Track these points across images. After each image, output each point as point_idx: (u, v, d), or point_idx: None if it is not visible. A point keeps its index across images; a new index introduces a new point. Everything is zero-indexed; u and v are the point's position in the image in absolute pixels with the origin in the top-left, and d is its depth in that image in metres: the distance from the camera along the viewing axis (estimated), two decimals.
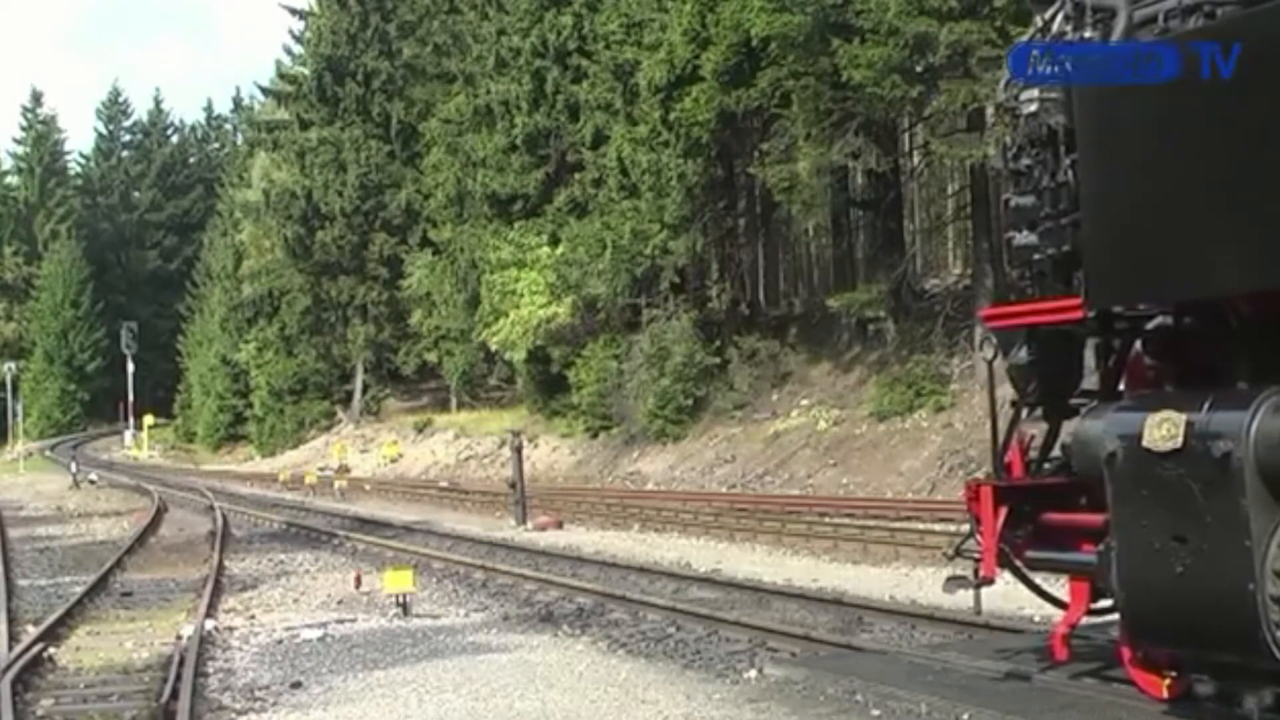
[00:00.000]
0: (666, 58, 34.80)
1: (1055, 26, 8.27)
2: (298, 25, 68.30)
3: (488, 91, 46.58)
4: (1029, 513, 8.28)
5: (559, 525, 25.24)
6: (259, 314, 68.55)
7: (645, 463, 36.67)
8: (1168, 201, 6.89)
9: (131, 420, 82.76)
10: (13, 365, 79.58)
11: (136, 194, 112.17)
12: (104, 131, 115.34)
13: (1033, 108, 8.15)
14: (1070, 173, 7.84)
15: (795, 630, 11.53)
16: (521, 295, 42.92)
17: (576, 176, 42.74)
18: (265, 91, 73.10)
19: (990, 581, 8.54)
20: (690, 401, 36.26)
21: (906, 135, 35.10)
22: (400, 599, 14.44)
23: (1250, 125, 6.39)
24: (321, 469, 49.46)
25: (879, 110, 28.94)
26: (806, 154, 30.98)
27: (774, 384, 35.52)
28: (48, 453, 77.69)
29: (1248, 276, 6.59)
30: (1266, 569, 6.38)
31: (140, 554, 22.61)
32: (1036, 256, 8.12)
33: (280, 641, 12.99)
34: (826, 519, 22.34)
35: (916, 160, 36.33)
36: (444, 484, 40.76)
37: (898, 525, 20.34)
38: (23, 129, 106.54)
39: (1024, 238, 8.19)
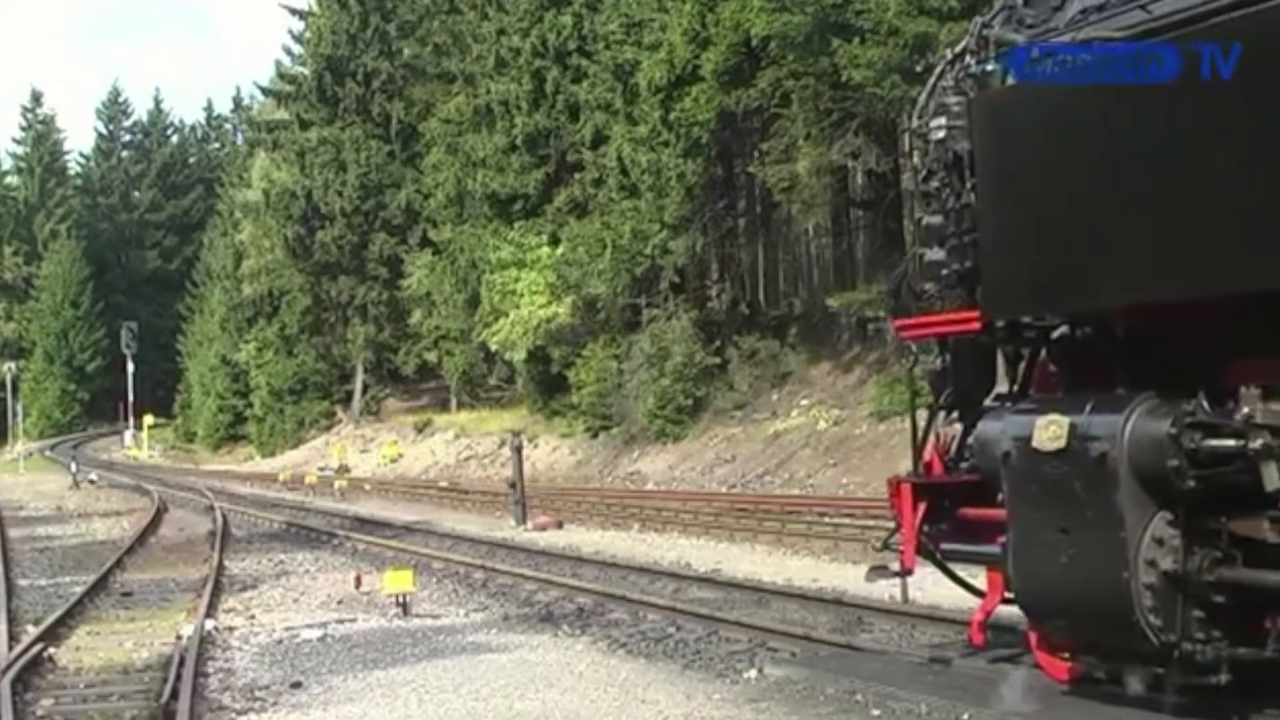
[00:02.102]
0: (666, 58, 34.80)
1: (965, 58, 8.94)
2: (298, 25, 68.39)
3: (488, 91, 46.57)
4: (947, 508, 8.82)
5: (559, 525, 25.23)
6: (259, 314, 68.55)
7: (645, 463, 36.67)
8: (1050, 223, 7.48)
9: (131, 420, 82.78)
10: (13, 365, 79.68)
11: (136, 194, 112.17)
12: (104, 131, 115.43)
13: (941, 134, 8.79)
14: (972, 195, 8.42)
15: (795, 630, 11.53)
16: (521, 295, 42.93)
17: (576, 176, 42.75)
18: (265, 91, 73.10)
19: (910, 572, 9.21)
20: (690, 401, 36.26)
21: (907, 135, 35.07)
22: (400, 599, 14.43)
23: (1118, 159, 7.03)
24: (321, 469, 49.47)
25: (879, 110, 28.92)
26: (806, 154, 30.99)
27: (774, 384, 35.52)
28: (48, 453, 77.67)
29: (1120, 292, 7.22)
30: (1139, 559, 6.95)
31: (140, 554, 22.61)
32: (944, 271, 8.72)
33: (280, 641, 12.99)
34: (826, 519, 22.32)
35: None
36: (444, 484, 40.76)
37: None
38: (23, 129, 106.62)
39: (933, 254, 8.79)
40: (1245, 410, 6.70)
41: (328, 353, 64.86)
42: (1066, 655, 8.08)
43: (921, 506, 8.89)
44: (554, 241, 42.94)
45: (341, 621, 14.06)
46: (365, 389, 63.02)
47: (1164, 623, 6.99)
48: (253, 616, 14.82)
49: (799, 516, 23.04)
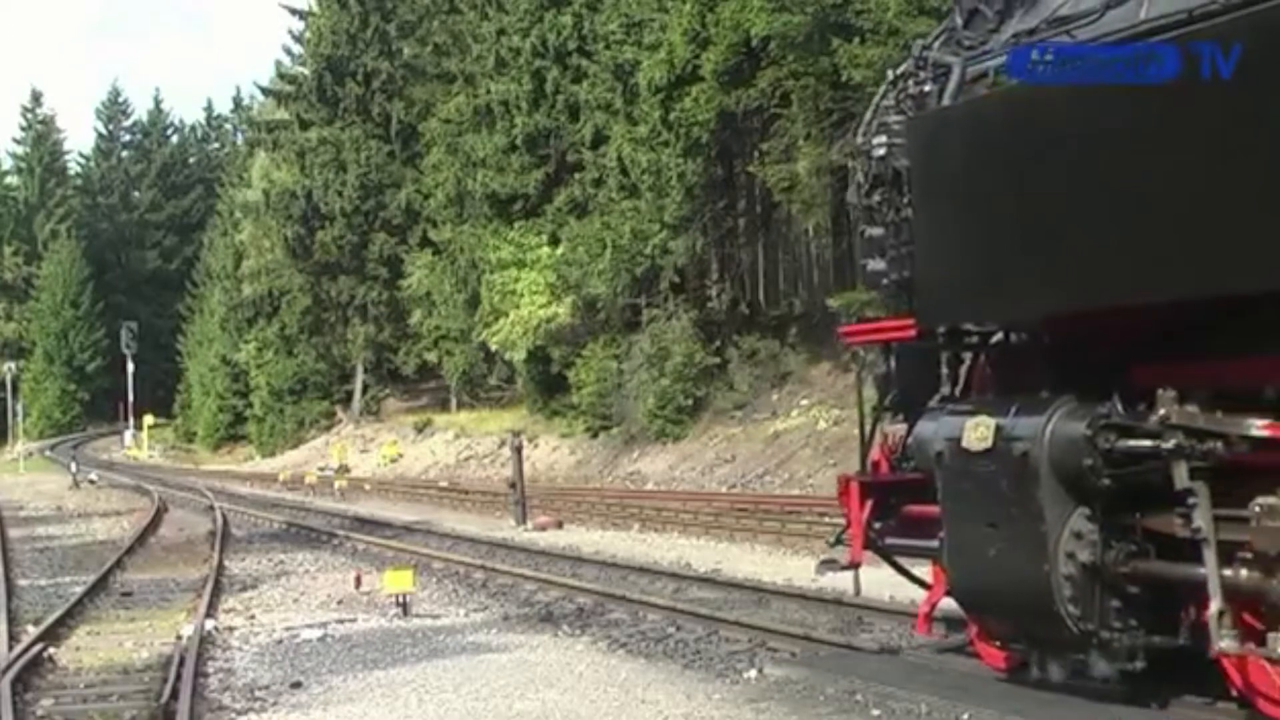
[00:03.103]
0: (666, 58, 34.78)
1: (906, 80, 9.44)
2: (298, 25, 68.34)
3: (488, 91, 46.57)
4: (894, 505, 9.31)
5: (559, 525, 25.23)
6: (259, 314, 68.51)
7: (645, 463, 36.67)
8: (975, 237, 8.02)
9: (131, 420, 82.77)
10: (13, 365, 79.64)
11: (136, 194, 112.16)
12: (104, 131, 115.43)
13: (881, 152, 9.22)
14: (909, 209, 8.86)
15: (795, 630, 11.53)
16: (521, 295, 42.92)
17: (576, 176, 42.74)
18: (265, 91, 73.08)
19: (857, 565, 9.81)
20: (690, 401, 36.25)
21: None
22: (400, 599, 14.43)
23: (1031, 180, 7.56)
24: (321, 469, 49.46)
25: None
26: (806, 154, 30.97)
27: (774, 384, 35.52)
28: (48, 453, 77.66)
29: (1038, 303, 7.75)
30: (1059, 552, 7.42)
31: (140, 554, 22.61)
32: (885, 281, 9.17)
33: (280, 641, 12.99)
34: (826, 519, 22.30)
35: None
36: (444, 484, 40.75)
37: None
38: (22, 129, 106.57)
39: (875, 264, 9.22)
40: (1161, 412, 7.02)
41: (328, 353, 64.84)
42: (1001, 644, 8.68)
43: (869, 504, 9.40)
44: (554, 241, 42.93)
45: (341, 621, 14.06)
46: (365, 389, 63.00)
47: (1082, 612, 7.42)
48: (253, 616, 14.82)
49: (799, 516, 23.03)
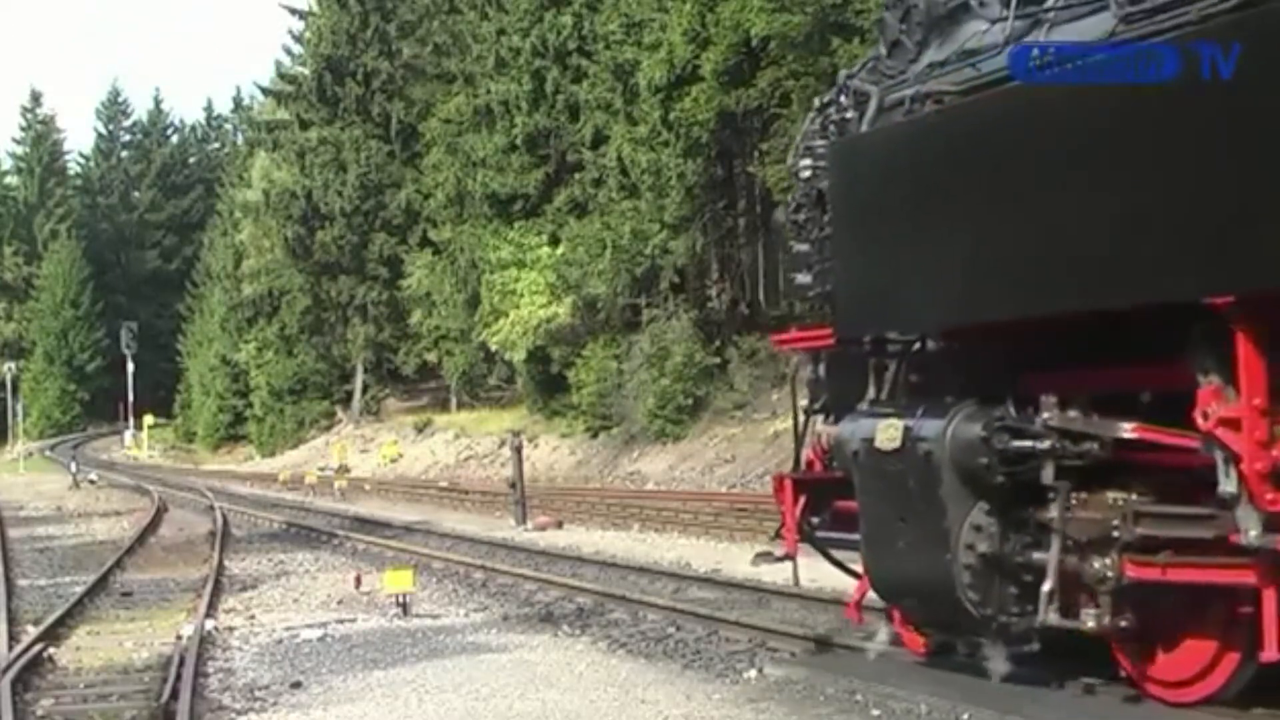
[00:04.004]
0: (666, 58, 34.79)
1: (830, 107, 10.08)
2: (298, 25, 68.36)
3: (488, 91, 46.58)
4: (826, 501, 9.84)
5: (559, 525, 25.23)
6: (259, 314, 68.52)
7: (645, 463, 36.66)
8: (882, 255, 8.76)
9: (131, 420, 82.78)
10: (13, 365, 79.63)
11: (136, 194, 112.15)
12: (104, 131, 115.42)
13: (807, 174, 9.92)
14: (830, 227, 9.53)
15: (795, 630, 11.52)
16: (521, 295, 42.92)
17: (576, 176, 42.75)
18: (265, 91, 73.07)
19: (791, 557, 10.37)
20: (690, 401, 36.24)
21: None
22: (400, 599, 14.43)
23: (927, 204, 8.29)
24: (321, 469, 49.44)
25: None
26: None
27: (774, 384, 35.48)
28: (48, 453, 77.68)
29: (935, 316, 8.49)
30: (960, 544, 8.01)
31: (140, 554, 22.61)
32: (811, 293, 9.93)
33: (280, 641, 12.99)
34: None
35: None
36: (444, 484, 40.75)
37: None
38: (22, 129, 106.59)
39: (802, 277, 10.00)
40: (1044, 415, 7.69)
41: (328, 353, 64.83)
42: (917, 630, 9.41)
43: (802, 500, 10.03)
44: (554, 241, 42.93)
45: (341, 621, 14.06)
46: (365, 389, 62.99)
47: (982, 598, 8.04)
48: (253, 616, 14.82)
49: None
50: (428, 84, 57.51)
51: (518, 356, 44.41)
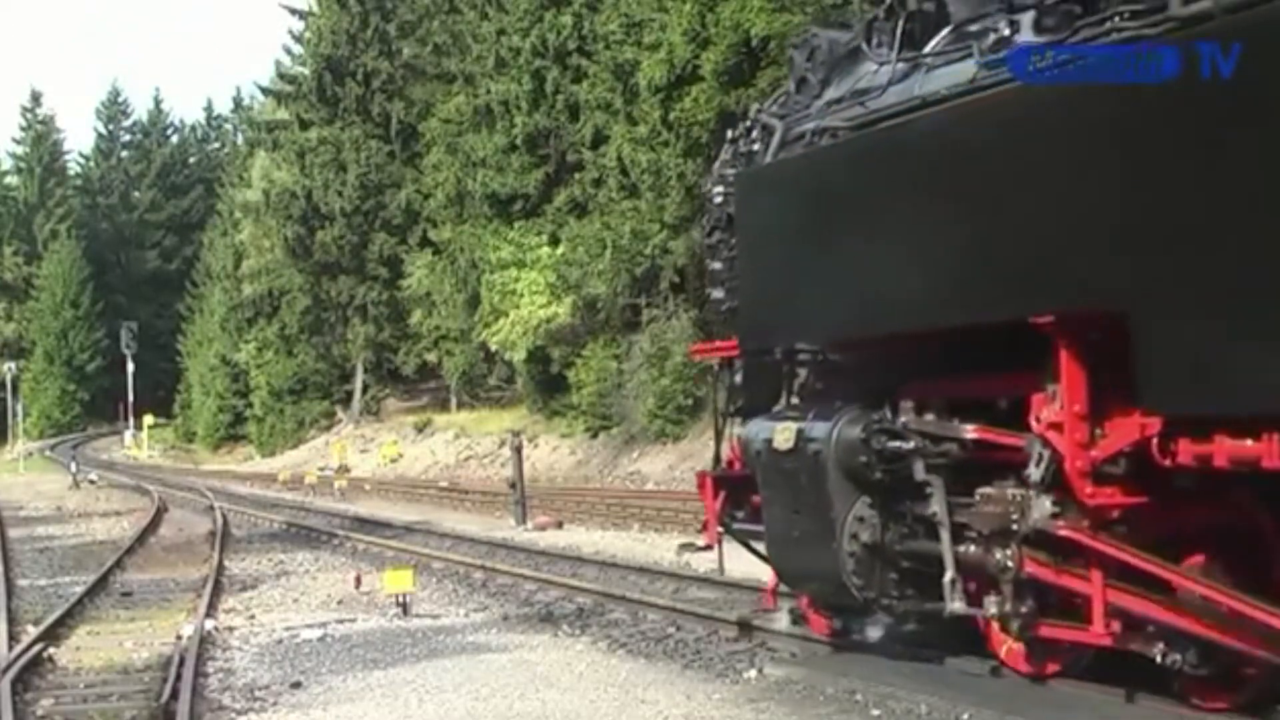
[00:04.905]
0: (666, 58, 34.79)
1: (740, 139, 10.89)
2: (298, 25, 68.32)
3: (488, 91, 46.57)
4: (744, 496, 10.53)
5: (559, 525, 25.22)
6: (259, 314, 68.52)
7: (645, 463, 36.66)
8: (776, 275, 9.67)
9: (131, 420, 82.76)
10: (13, 365, 79.58)
11: (136, 194, 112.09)
12: (104, 131, 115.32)
13: (719, 199, 10.81)
14: (736, 249, 10.45)
15: (795, 630, 11.52)
16: (521, 295, 42.92)
17: (576, 176, 42.74)
18: (265, 91, 73.04)
19: (711, 547, 11.61)
20: (690, 401, 36.23)
21: None
22: (400, 599, 14.43)
23: (811, 230, 9.25)
24: (321, 469, 49.44)
25: None
26: None
27: None
28: (48, 453, 77.67)
29: (821, 331, 9.47)
30: (845, 534, 8.87)
31: (140, 554, 22.61)
32: (723, 308, 10.87)
33: (280, 641, 12.99)
34: None
35: None
36: (444, 484, 40.74)
37: None
38: (22, 129, 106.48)
39: (716, 293, 10.98)
40: (904, 419, 8.66)
41: (328, 353, 64.81)
42: (817, 612, 10.40)
43: (721, 495, 10.94)
44: (554, 241, 42.93)
45: (341, 621, 14.06)
46: (365, 389, 62.99)
47: (865, 583, 8.91)
48: (253, 616, 14.82)
49: None
50: (428, 84, 57.50)
51: (518, 356, 44.41)
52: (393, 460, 52.79)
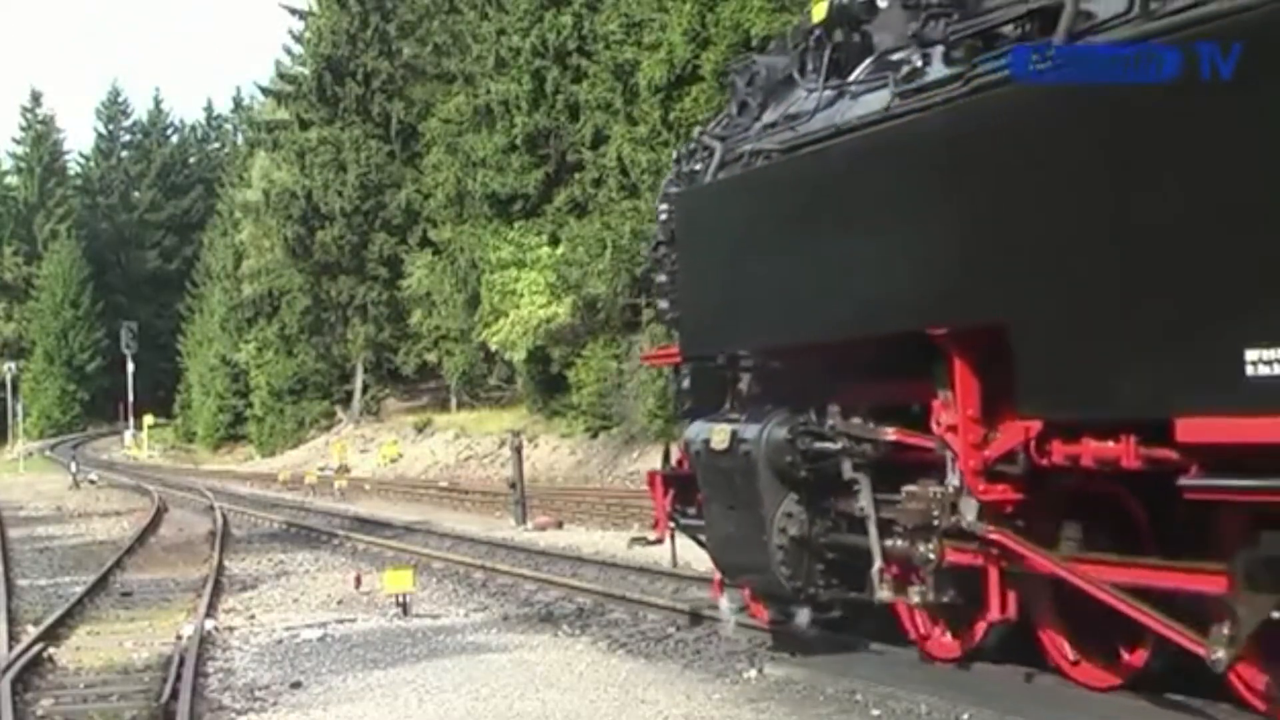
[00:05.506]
0: (666, 58, 34.79)
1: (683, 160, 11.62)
2: (298, 25, 68.36)
3: (488, 91, 46.57)
4: (692, 493, 11.00)
5: (559, 525, 25.23)
6: (259, 314, 68.52)
7: (645, 463, 36.53)
8: (711, 288, 10.43)
9: (131, 420, 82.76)
10: (13, 365, 79.62)
11: (136, 194, 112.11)
12: (104, 131, 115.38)
13: (664, 216, 11.50)
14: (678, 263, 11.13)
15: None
16: (521, 295, 42.90)
17: (576, 176, 42.73)
18: (265, 91, 73.06)
19: (660, 541, 12.28)
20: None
21: None
22: (400, 599, 14.43)
23: (731, 247, 10.07)
24: (321, 469, 49.45)
25: None
26: None
27: None
28: (48, 453, 77.68)
29: (752, 340, 10.13)
30: (774, 528, 9.43)
31: (140, 554, 22.61)
32: (669, 317, 11.56)
33: (280, 641, 12.99)
34: None
35: None
36: (444, 484, 40.74)
37: None
38: (22, 129, 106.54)
39: (662, 304, 11.66)
40: (831, 422, 9.20)
41: (328, 353, 64.80)
42: (756, 601, 11.03)
43: (670, 492, 11.53)
44: (554, 241, 42.92)
45: (341, 621, 14.06)
46: (365, 389, 62.99)
47: (793, 573, 9.49)
48: (253, 616, 14.83)
49: None
50: (428, 84, 57.49)
51: (518, 356, 44.40)
52: (393, 460, 52.79)
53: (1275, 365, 6.16)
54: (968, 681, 8.96)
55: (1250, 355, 6.23)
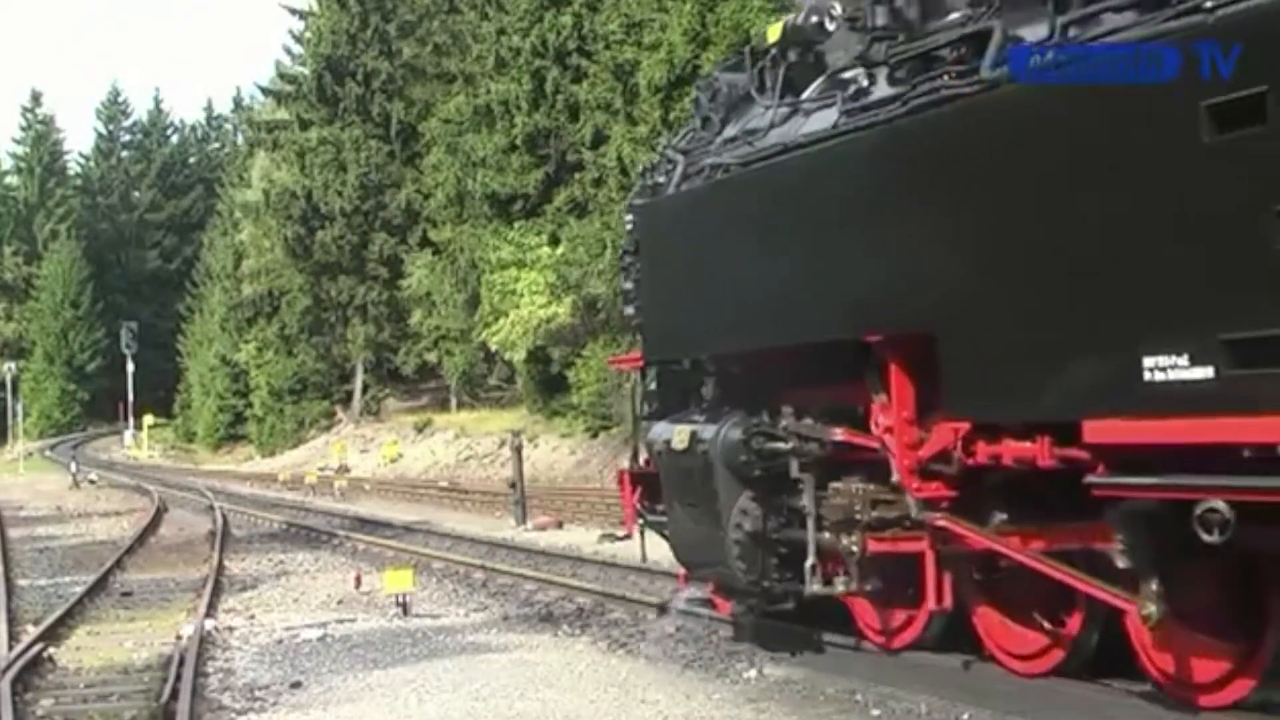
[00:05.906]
0: (666, 58, 34.77)
1: (649, 173, 12.10)
2: (298, 25, 68.34)
3: (488, 91, 46.55)
4: (659, 490, 11.26)
5: (559, 525, 25.22)
6: (259, 314, 68.50)
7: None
8: (671, 296, 11.00)
9: (131, 420, 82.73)
10: (13, 365, 79.60)
11: (136, 194, 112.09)
12: (104, 131, 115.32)
13: (630, 226, 11.99)
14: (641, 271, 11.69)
15: (795, 628, 11.51)
16: (521, 295, 42.88)
17: (576, 176, 42.71)
18: (265, 91, 73.07)
19: (629, 536, 12.89)
20: None
21: None
22: (400, 599, 14.43)
23: (702, 261, 10.43)
24: (321, 469, 49.44)
25: None
26: None
27: None
28: (48, 453, 77.66)
29: (708, 345, 10.64)
30: (731, 524, 9.81)
31: (140, 554, 22.61)
32: (635, 323, 12.02)
33: (280, 641, 12.99)
34: None
35: None
36: (444, 484, 40.72)
37: None
38: (22, 129, 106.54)
39: (628, 310, 12.11)
40: (784, 424, 9.58)
41: (328, 353, 64.79)
42: (717, 594, 11.28)
43: (638, 489, 11.93)
44: (554, 241, 42.90)
45: (341, 621, 14.07)
46: (365, 389, 62.96)
47: (748, 567, 9.85)
48: (253, 616, 14.83)
49: None
50: (428, 84, 57.47)
51: (518, 356, 44.37)
52: (393, 460, 52.77)
53: (1170, 371, 6.60)
54: (968, 681, 8.96)
55: (1148, 362, 6.68)
